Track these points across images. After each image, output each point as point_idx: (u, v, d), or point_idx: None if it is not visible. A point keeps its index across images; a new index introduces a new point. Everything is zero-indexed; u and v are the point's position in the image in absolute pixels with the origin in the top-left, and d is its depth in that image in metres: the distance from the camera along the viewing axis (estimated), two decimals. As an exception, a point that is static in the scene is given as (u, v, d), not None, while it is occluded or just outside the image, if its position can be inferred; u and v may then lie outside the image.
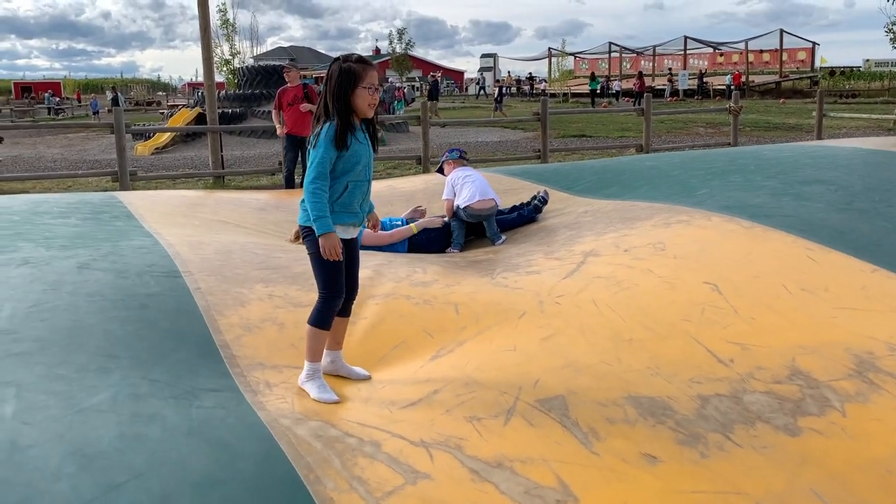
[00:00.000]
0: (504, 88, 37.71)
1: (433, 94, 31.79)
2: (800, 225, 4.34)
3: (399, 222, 5.62)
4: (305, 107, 9.21)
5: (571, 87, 46.67)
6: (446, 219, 5.64)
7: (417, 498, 2.11)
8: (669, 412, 2.55)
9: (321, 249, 2.72)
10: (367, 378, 3.00)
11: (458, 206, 5.50)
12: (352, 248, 2.94)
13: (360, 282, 3.07)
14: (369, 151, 2.90)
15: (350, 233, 2.90)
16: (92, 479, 2.06)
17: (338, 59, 2.88)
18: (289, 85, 9.51)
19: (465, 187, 5.50)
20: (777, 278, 3.60)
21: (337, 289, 2.83)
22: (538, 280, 3.90)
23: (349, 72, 2.80)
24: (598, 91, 40.30)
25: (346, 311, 3.00)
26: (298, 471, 2.18)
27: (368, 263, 4.12)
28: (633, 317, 3.29)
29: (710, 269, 3.75)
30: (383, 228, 5.47)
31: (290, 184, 9.85)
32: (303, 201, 2.86)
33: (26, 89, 59.04)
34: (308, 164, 2.80)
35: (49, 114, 42.14)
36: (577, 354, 2.99)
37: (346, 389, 2.88)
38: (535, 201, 5.84)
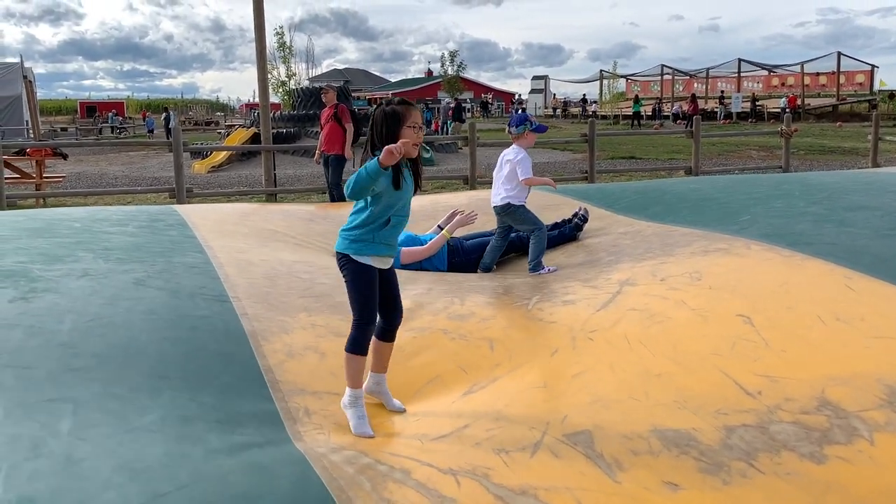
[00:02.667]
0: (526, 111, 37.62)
1: (457, 116, 32.00)
2: (840, 252, 4.30)
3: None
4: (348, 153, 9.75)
5: (623, 110, 46.54)
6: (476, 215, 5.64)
7: (443, 521, 2.21)
8: (694, 443, 2.59)
9: (394, 149, 2.71)
10: (402, 411, 3.10)
11: None
12: (389, 276, 3.06)
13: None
14: (411, 189, 3.02)
15: (385, 263, 3.01)
16: (139, 488, 2.22)
17: (380, 104, 2.97)
18: (327, 106, 9.95)
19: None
20: (812, 308, 3.60)
21: (370, 315, 2.93)
22: (573, 311, 3.97)
23: (393, 113, 2.89)
24: (651, 114, 40.25)
25: (390, 337, 3.10)
26: (331, 491, 2.30)
27: (409, 293, 4.26)
28: (664, 352, 3.33)
29: (745, 301, 3.75)
30: (420, 244, 5.55)
31: (333, 199, 10.20)
32: (343, 228, 2.98)
33: (91, 109, 61.13)
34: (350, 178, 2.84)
35: (111, 132, 43.55)
36: (605, 391, 3.04)
37: (380, 421, 3.00)
38: (576, 219, 5.88)
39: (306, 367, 3.38)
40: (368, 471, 2.47)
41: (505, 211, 5.27)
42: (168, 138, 32.34)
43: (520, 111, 36.35)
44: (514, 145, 5.29)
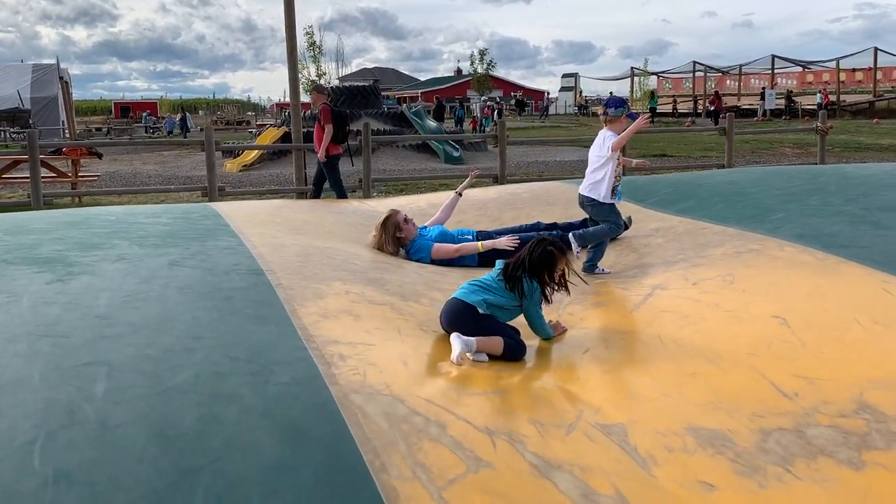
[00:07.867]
0: (496, 110, 37.43)
1: (438, 115, 31.82)
2: (876, 256, 4.20)
3: (469, 235, 5.65)
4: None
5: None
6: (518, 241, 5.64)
7: (478, 488, 2.18)
8: (729, 444, 2.54)
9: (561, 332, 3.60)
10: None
11: None
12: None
13: (424, 307, 3.48)
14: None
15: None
16: (172, 462, 2.15)
17: (543, 240, 3.53)
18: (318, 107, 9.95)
19: None
20: (849, 312, 3.51)
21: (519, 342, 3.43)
22: (605, 314, 3.94)
23: (553, 258, 3.46)
24: (671, 111, 40.21)
25: None
26: (365, 456, 2.27)
27: (438, 286, 4.25)
28: (698, 351, 3.28)
29: (779, 303, 3.69)
30: (452, 240, 5.54)
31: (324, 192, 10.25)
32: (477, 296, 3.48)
33: (125, 109, 61.86)
34: (532, 320, 3.52)
35: (144, 132, 44.07)
36: (639, 387, 3.01)
37: (422, 363, 3.11)
38: None
39: (341, 326, 3.39)
40: (404, 425, 2.46)
41: (588, 203, 5.09)
42: (183, 137, 33.00)
43: (497, 110, 36.06)
44: (605, 129, 5.10)
